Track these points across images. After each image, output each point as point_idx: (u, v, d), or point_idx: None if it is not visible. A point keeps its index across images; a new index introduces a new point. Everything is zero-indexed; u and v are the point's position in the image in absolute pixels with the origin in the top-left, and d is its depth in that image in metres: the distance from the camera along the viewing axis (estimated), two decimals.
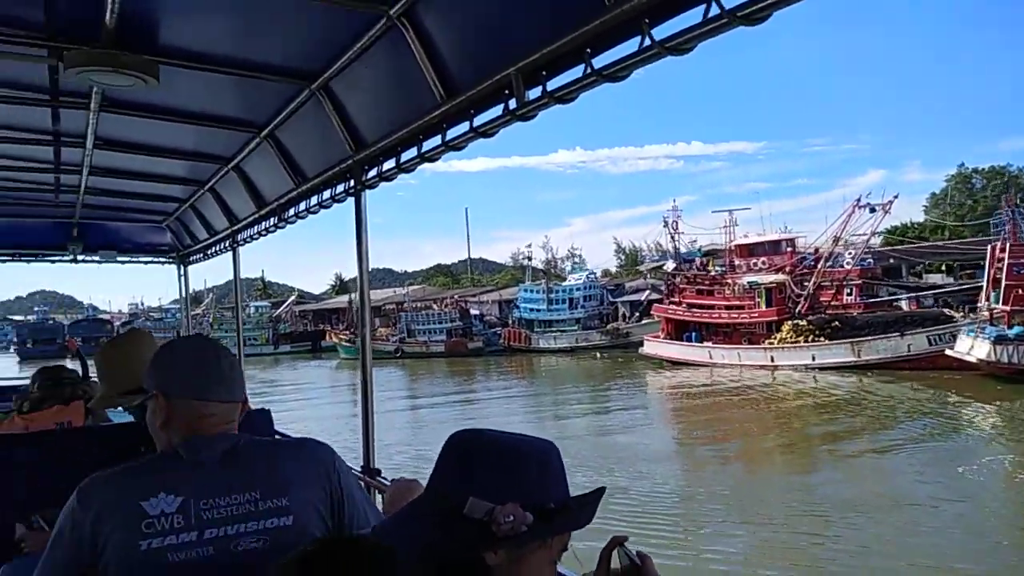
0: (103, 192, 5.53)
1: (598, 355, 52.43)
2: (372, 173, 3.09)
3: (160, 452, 1.67)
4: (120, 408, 3.46)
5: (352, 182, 3.27)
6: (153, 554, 1.47)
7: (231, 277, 6.49)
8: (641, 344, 49.08)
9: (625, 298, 61.74)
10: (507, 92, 2.14)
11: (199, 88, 3.24)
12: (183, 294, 8.36)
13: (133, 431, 3.16)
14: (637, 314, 57.43)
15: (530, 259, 74.90)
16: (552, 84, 1.99)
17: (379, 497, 2.76)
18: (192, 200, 5.81)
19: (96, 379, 3.68)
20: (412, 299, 70.19)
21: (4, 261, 7.52)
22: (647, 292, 58.18)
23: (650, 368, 43.25)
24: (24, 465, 3.20)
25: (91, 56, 2.43)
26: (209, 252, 6.75)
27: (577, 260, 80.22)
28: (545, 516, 1.20)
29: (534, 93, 2.07)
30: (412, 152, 2.74)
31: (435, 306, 65.29)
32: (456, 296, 70.30)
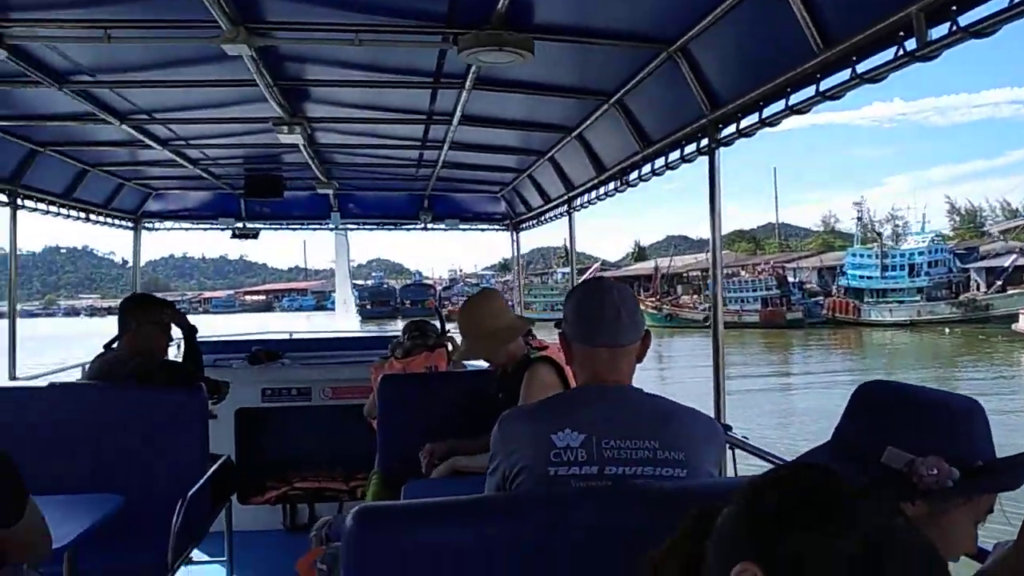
0: (453, 165, 6.20)
1: (947, 330, 46.51)
2: (729, 130, 3.09)
3: (570, 392, 1.88)
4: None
5: (705, 141, 3.29)
6: (559, 480, 1.68)
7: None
8: (1013, 318, 42.51)
9: (980, 264, 53.93)
10: (902, 33, 2.01)
11: (558, 60, 3.48)
12: (516, 257, 9.12)
13: (488, 376, 3.60)
14: (999, 283, 49.86)
15: (860, 219, 68.48)
16: (965, 19, 1.83)
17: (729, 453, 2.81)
18: (530, 170, 6.26)
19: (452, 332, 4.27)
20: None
21: (371, 229, 8.85)
22: (1014, 257, 50.21)
23: None
24: (409, 402, 3.81)
25: (480, 38, 2.78)
26: (543, 218, 7.23)
27: (899, 223, 71.43)
28: (970, 473, 1.16)
29: (937, 32, 1.92)
30: (778, 105, 2.70)
31: (743, 272, 62.91)
32: (772, 262, 67.02)
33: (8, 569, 1.79)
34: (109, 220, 7.08)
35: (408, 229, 8.54)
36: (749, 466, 2.83)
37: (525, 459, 1.73)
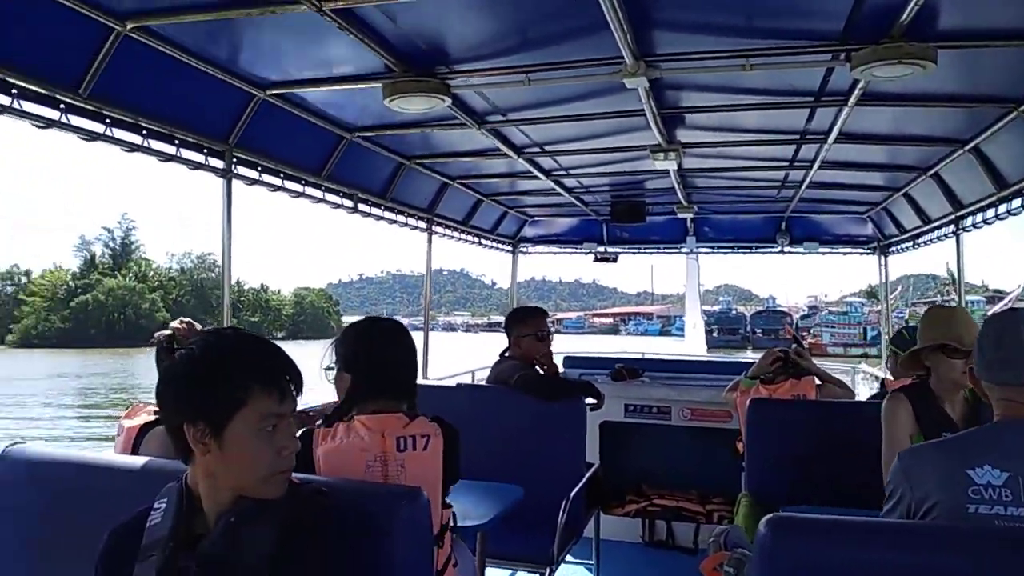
0: (818, 185, 6.03)
1: None
2: None
3: (987, 426, 1.81)
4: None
5: None
6: (980, 519, 1.61)
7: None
8: None
9: None
10: None
11: (952, 67, 3.29)
12: (885, 283, 8.49)
13: (859, 407, 3.43)
14: None
15: None
16: None
17: None
18: (905, 188, 5.86)
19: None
20: None
21: (725, 252, 8.86)
22: None
23: None
24: (778, 427, 3.75)
25: (877, 52, 2.78)
26: (919, 241, 6.69)
27: None
28: None
29: None
30: None
31: None
32: None
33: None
34: (493, 244, 8.11)
35: (763, 252, 8.43)
36: None
37: (936, 495, 1.68)
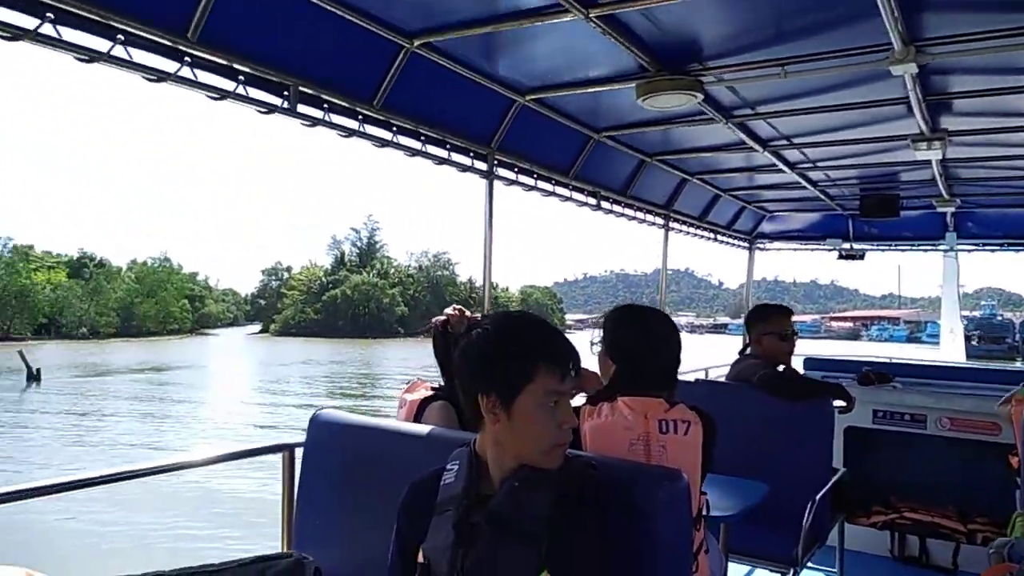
0: None
1: None
2: None
3: None
4: None
5: None
6: None
7: None
8: None
9: None
10: None
11: None
12: None
13: None
14: None
15: None
16: None
17: None
18: None
19: None
20: None
21: (992, 250, 8.03)
22: None
23: None
24: None
25: None
26: None
27: None
28: None
29: None
30: None
31: None
32: None
33: None
34: (729, 240, 7.99)
35: None
36: None
37: None
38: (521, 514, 1.48)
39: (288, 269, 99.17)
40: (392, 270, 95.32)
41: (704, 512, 2.26)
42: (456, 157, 4.03)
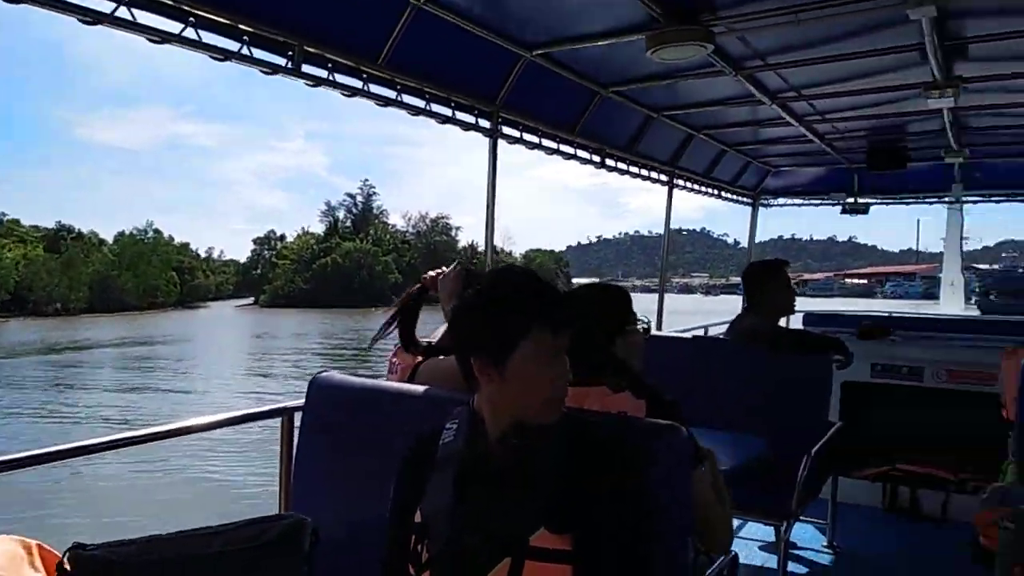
0: None
1: None
2: None
3: None
4: None
5: None
6: None
7: None
8: None
9: None
10: None
11: None
12: None
13: None
14: None
15: None
16: None
17: None
18: None
19: None
20: None
21: (998, 201, 8.01)
22: None
23: None
24: None
25: None
26: None
27: None
28: None
29: None
30: None
31: None
32: None
33: None
34: (733, 197, 7.95)
35: None
36: None
37: None
38: (522, 469, 1.48)
39: (282, 238, 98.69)
40: (388, 236, 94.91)
41: None
42: (460, 115, 3.99)
